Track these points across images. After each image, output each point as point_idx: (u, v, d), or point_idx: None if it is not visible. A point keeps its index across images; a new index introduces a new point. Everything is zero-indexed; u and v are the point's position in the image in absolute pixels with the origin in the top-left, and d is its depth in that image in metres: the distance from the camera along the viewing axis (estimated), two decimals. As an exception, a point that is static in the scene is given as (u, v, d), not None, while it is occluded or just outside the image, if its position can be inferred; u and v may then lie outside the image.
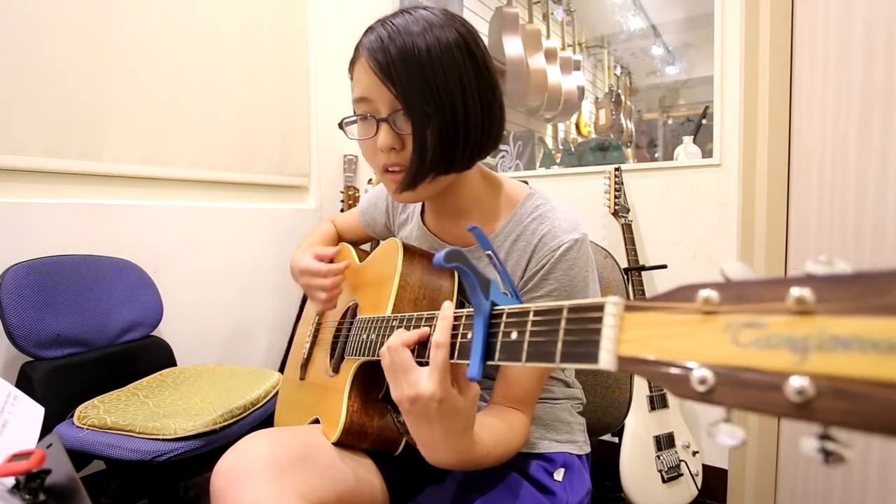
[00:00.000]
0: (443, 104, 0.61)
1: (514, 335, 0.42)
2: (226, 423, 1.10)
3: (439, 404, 0.49)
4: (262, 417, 1.21)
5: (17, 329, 1.16)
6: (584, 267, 0.69)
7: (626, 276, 1.45)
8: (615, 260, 1.11)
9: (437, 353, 0.49)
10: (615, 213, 1.62)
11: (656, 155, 1.76)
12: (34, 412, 0.62)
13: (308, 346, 0.92)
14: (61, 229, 1.39)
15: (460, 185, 0.73)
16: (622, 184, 1.64)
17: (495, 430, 0.62)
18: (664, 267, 1.61)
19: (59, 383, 1.20)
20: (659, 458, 1.44)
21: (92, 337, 1.31)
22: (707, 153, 1.63)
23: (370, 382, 0.71)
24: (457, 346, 0.49)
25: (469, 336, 0.47)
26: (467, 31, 0.65)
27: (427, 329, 0.53)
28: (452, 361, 0.49)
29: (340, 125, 0.70)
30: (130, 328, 1.41)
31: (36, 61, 1.34)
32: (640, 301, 0.32)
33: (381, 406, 0.71)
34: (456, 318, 0.50)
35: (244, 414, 1.16)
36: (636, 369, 0.30)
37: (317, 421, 0.76)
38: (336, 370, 0.77)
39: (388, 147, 0.65)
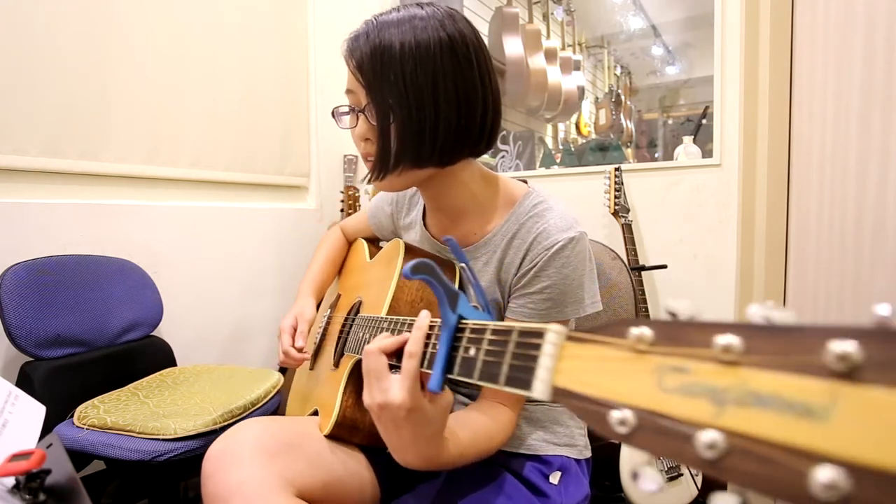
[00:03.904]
0: (407, 98, 0.62)
1: (471, 351, 0.42)
2: (226, 423, 1.10)
3: (408, 413, 0.49)
4: (262, 417, 1.21)
5: (17, 329, 1.16)
6: (578, 266, 0.68)
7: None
8: (623, 262, 1.10)
9: (409, 363, 0.49)
10: (615, 213, 1.62)
11: (656, 155, 1.76)
12: (35, 412, 0.62)
13: (319, 337, 0.94)
14: (61, 229, 1.39)
15: (456, 185, 0.73)
16: (622, 184, 1.64)
17: (474, 426, 0.63)
18: (664, 267, 1.61)
19: (59, 383, 1.19)
20: (659, 458, 1.44)
21: (92, 337, 1.31)
22: (707, 153, 1.63)
23: None
24: (427, 356, 0.49)
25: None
26: (458, 30, 0.64)
27: (409, 335, 0.53)
28: (424, 371, 0.49)
29: (333, 113, 0.73)
30: (130, 328, 1.41)
31: (36, 61, 1.34)
32: (582, 332, 0.31)
33: None
34: (432, 328, 0.50)
35: (244, 414, 1.16)
36: (566, 402, 0.30)
37: (317, 412, 0.78)
38: (336, 364, 0.79)
39: (361, 137, 0.68)
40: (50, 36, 1.36)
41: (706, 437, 0.21)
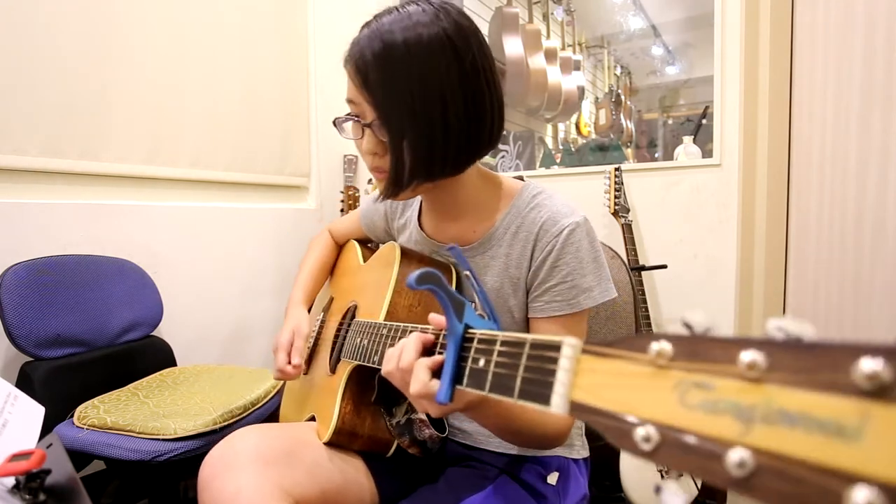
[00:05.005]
0: (417, 117, 0.60)
1: (481, 362, 0.42)
2: (226, 423, 1.10)
3: (470, 408, 0.52)
4: (261, 417, 1.21)
5: (17, 329, 1.16)
6: (590, 248, 0.68)
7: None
8: (622, 260, 1.10)
9: (419, 403, 0.50)
10: (615, 213, 1.62)
11: (656, 155, 1.76)
12: (34, 412, 0.62)
13: (312, 341, 0.93)
14: (61, 229, 1.39)
15: (456, 186, 0.72)
16: (622, 184, 1.64)
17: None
18: (664, 267, 1.61)
19: (59, 383, 1.19)
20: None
21: (92, 337, 1.31)
22: (707, 153, 1.63)
23: (364, 385, 0.72)
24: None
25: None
26: (457, 30, 0.62)
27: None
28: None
29: (335, 123, 0.71)
30: (130, 328, 1.41)
31: (36, 61, 1.34)
32: (598, 345, 0.31)
33: (373, 409, 0.72)
34: (437, 337, 0.51)
35: (244, 414, 1.16)
36: (586, 417, 0.30)
37: (314, 418, 0.77)
38: (333, 370, 0.78)
39: (370, 152, 0.66)
40: (50, 36, 1.36)
41: (735, 455, 0.21)
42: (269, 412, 1.24)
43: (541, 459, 0.75)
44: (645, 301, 1.56)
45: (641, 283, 1.54)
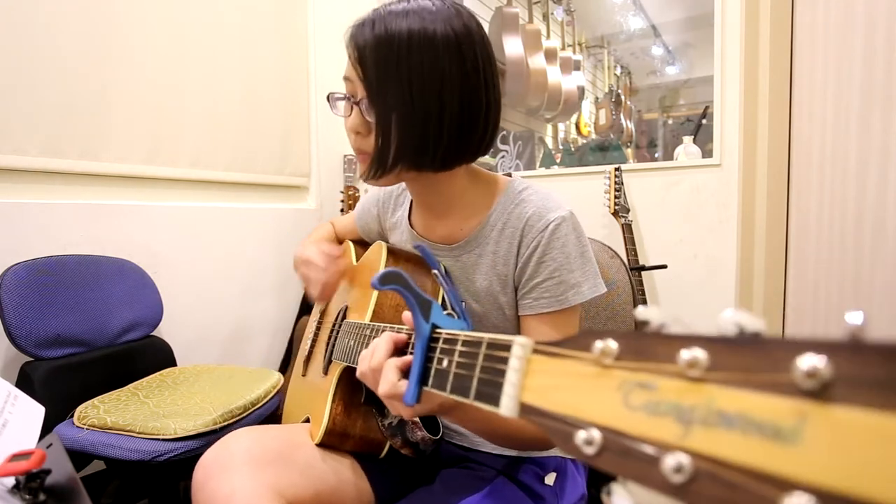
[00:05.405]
0: (410, 99, 0.60)
1: (444, 363, 0.41)
2: (226, 423, 1.10)
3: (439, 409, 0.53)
4: (261, 417, 1.21)
5: (17, 329, 1.16)
6: (577, 243, 0.67)
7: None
8: (622, 260, 1.09)
9: (391, 404, 0.50)
10: (615, 213, 1.62)
11: (656, 155, 1.76)
12: (34, 412, 0.62)
13: (310, 342, 0.93)
14: (61, 229, 1.39)
15: (444, 183, 0.71)
16: (622, 184, 1.64)
17: None
18: (664, 267, 1.61)
19: (59, 383, 1.19)
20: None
21: (92, 337, 1.31)
22: (707, 153, 1.63)
23: (355, 386, 0.72)
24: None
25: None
26: (466, 30, 0.62)
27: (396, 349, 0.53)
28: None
29: (329, 98, 0.70)
30: (130, 328, 1.41)
31: (36, 61, 1.34)
32: (547, 345, 0.30)
33: (365, 409, 0.72)
34: (409, 336, 0.51)
35: (244, 414, 1.16)
36: (536, 420, 0.29)
37: (310, 419, 0.77)
38: (325, 371, 0.78)
39: (353, 130, 0.66)
40: (50, 36, 1.36)
41: (673, 460, 0.20)
42: (269, 412, 1.24)
43: (538, 460, 0.75)
44: (645, 301, 1.56)
45: (641, 283, 1.54)
